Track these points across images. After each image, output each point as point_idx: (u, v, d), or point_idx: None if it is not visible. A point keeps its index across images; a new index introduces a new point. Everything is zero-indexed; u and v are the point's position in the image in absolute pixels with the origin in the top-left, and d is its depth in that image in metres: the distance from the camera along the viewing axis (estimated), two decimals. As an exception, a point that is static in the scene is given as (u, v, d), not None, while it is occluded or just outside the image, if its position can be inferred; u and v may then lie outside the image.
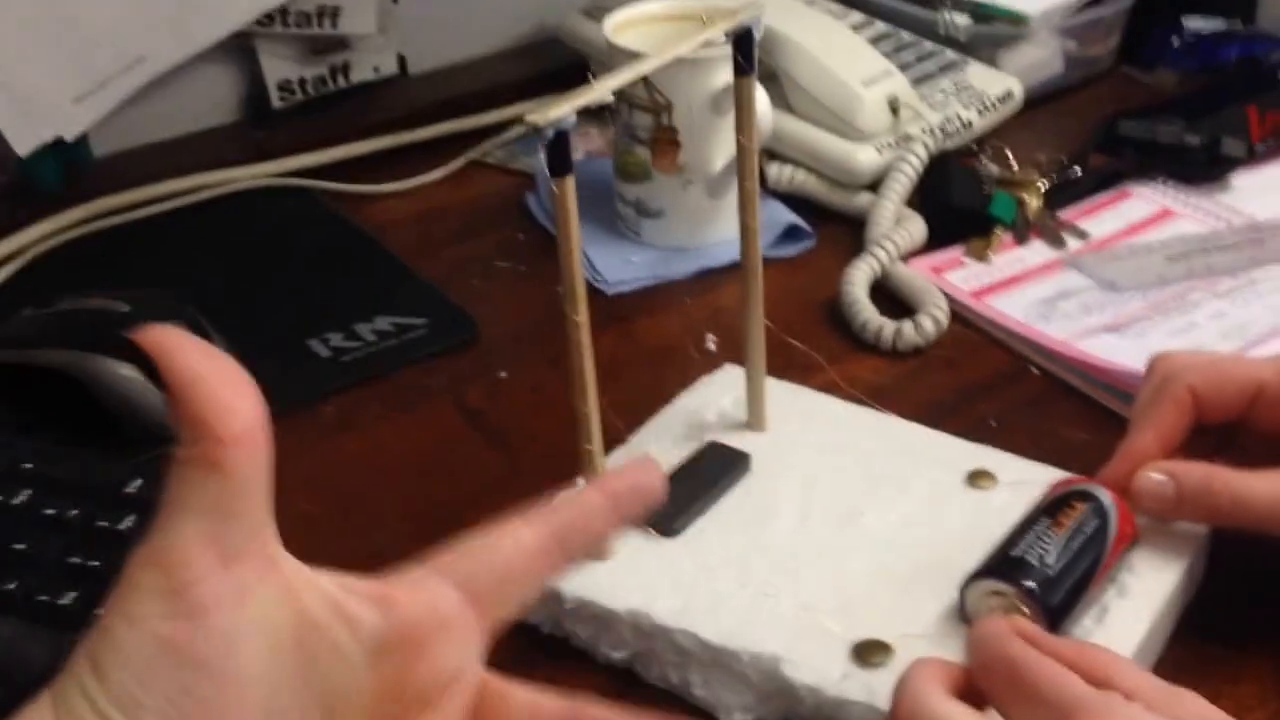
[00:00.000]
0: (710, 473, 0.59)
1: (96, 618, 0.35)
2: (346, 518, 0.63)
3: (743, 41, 0.55)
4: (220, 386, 0.34)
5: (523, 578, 0.41)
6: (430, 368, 0.73)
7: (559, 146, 0.47)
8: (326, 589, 0.37)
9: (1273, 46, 0.97)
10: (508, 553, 0.40)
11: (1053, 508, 0.53)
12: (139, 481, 0.58)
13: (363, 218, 0.87)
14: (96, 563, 0.54)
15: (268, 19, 0.89)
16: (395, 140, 0.92)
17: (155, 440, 0.66)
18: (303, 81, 0.93)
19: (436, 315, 0.76)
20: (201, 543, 0.34)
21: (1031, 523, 0.52)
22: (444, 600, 0.39)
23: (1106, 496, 0.53)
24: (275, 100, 0.92)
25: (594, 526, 0.43)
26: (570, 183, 0.48)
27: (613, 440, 0.61)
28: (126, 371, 0.66)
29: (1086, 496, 0.53)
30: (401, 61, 0.97)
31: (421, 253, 0.83)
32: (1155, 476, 0.53)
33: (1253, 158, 0.86)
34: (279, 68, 0.92)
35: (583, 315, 0.50)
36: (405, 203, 0.88)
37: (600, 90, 0.48)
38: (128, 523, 0.56)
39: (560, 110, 0.46)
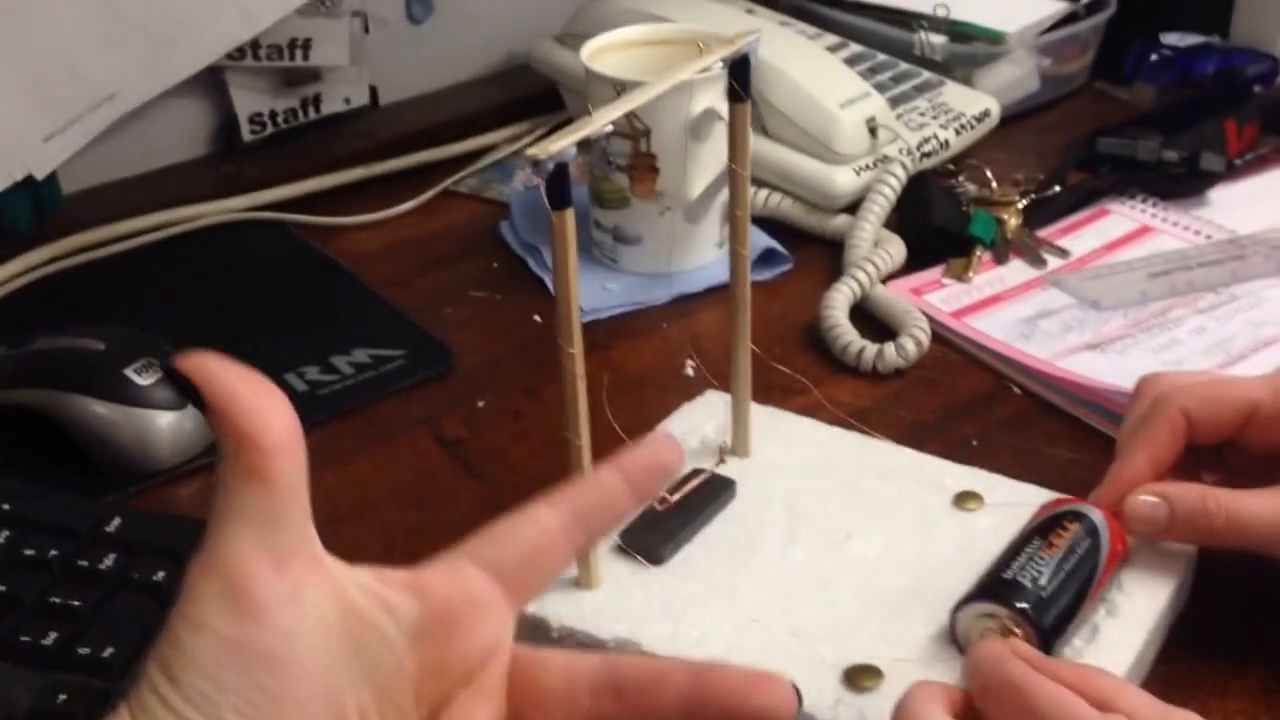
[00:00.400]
0: (697, 499, 0.58)
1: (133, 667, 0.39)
2: (328, 550, 0.61)
3: (738, 68, 0.54)
4: (258, 401, 0.37)
5: (547, 558, 0.43)
6: (407, 399, 0.72)
7: (559, 180, 0.46)
8: (367, 582, 0.40)
9: (1249, 60, 0.97)
10: (531, 535, 0.43)
11: (1045, 528, 0.52)
12: (118, 520, 0.57)
13: (336, 250, 0.86)
14: (77, 602, 0.53)
15: (239, 52, 0.88)
16: (367, 171, 0.91)
17: (131, 478, 0.65)
18: (274, 114, 0.92)
19: (412, 346, 0.75)
20: (255, 548, 0.37)
21: (1023, 544, 0.51)
22: (474, 583, 0.41)
23: (1098, 516, 0.52)
24: (246, 133, 0.92)
25: (613, 505, 0.45)
26: (569, 215, 0.48)
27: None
28: (101, 410, 0.65)
29: (1078, 517, 0.52)
30: (373, 92, 0.96)
31: (396, 284, 0.82)
32: (1148, 499, 0.52)
33: (1231, 172, 0.85)
34: (250, 100, 0.91)
35: (577, 347, 0.50)
36: (378, 234, 0.87)
37: (598, 122, 0.48)
38: (108, 561, 0.55)
39: (561, 143, 0.46)
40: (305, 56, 0.90)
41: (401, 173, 0.92)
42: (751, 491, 0.59)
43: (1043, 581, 0.49)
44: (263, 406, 0.37)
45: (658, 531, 0.56)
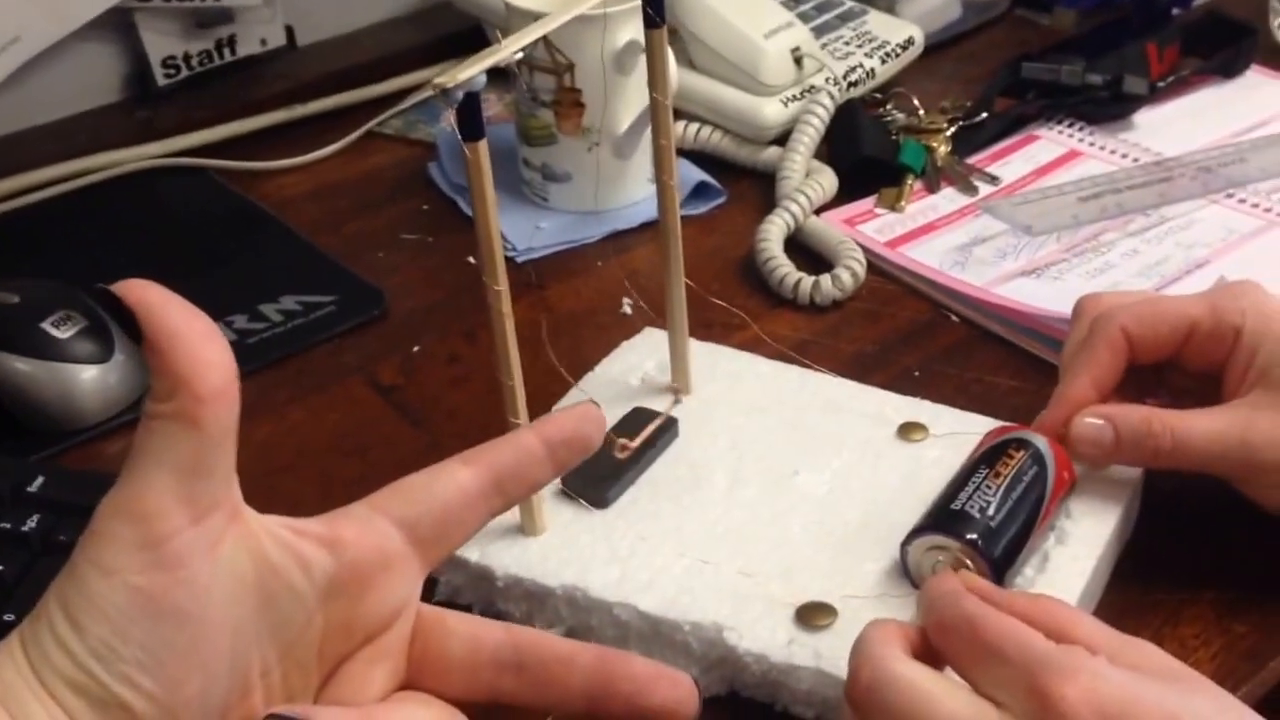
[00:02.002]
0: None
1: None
2: (263, 505, 0.59)
3: (651, -7, 0.53)
4: (199, 342, 0.35)
5: (461, 519, 0.43)
6: (340, 346, 0.71)
7: (470, 109, 0.45)
8: (282, 535, 0.39)
9: (1167, -18, 0.97)
10: (448, 495, 0.42)
11: (990, 457, 0.52)
12: (41, 480, 0.56)
13: (260, 195, 0.83)
14: (1, 567, 0.52)
15: (148, -8, 0.85)
16: (288, 114, 0.89)
17: (56, 437, 0.64)
18: (188, 57, 0.89)
19: (343, 291, 0.74)
20: (176, 496, 0.35)
21: (969, 474, 0.51)
22: (388, 541, 0.41)
23: (1043, 443, 0.52)
24: (160, 77, 0.89)
25: (531, 474, 0.44)
26: (483, 147, 0.46)
27: (535, 410, 0.59)
28: (21, 366, 0.63)
29: (1023, 444, 0.52)
30: (289, 33, 0.93)
31: (324, 229, 0.80)
32: (1093, 421, 0.52)
33: (1154, 94, 0.86)
34: (162, 43, 0.88)
35: (503, 283, 0.49)
36: (303, 178, 0.85)
37: (507, 49, 0.46)
38: (31, 524, 0.53)
39: (469, 71, 0.45)
40: (217, -4, 0.87)
41: (323, 115, 0.90)
42: (695, 430, 0.59)
43: (991, 511, 0.50)
44: (203, 348, 0.35)
45: (602, 474, 0.56)
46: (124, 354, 0.65)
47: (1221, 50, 0.90)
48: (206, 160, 0.85)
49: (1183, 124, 0.85)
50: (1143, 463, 0.53)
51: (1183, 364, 0.55)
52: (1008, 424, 0.55)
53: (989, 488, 0.50)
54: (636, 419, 0.58)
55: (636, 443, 0.56)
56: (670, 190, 0.56)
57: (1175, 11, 0.96)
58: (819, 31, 0.89)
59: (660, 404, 0.60)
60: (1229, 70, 0.90)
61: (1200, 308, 0.53)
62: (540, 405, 0.59)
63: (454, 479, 0.42)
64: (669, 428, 0.58)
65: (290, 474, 0.62)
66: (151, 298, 0.35)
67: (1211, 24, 0.92)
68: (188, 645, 0.36)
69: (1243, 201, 0.76)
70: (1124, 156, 0.81)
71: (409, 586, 0.42)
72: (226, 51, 0.90)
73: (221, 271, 0.76)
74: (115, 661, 0.35)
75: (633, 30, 0.74)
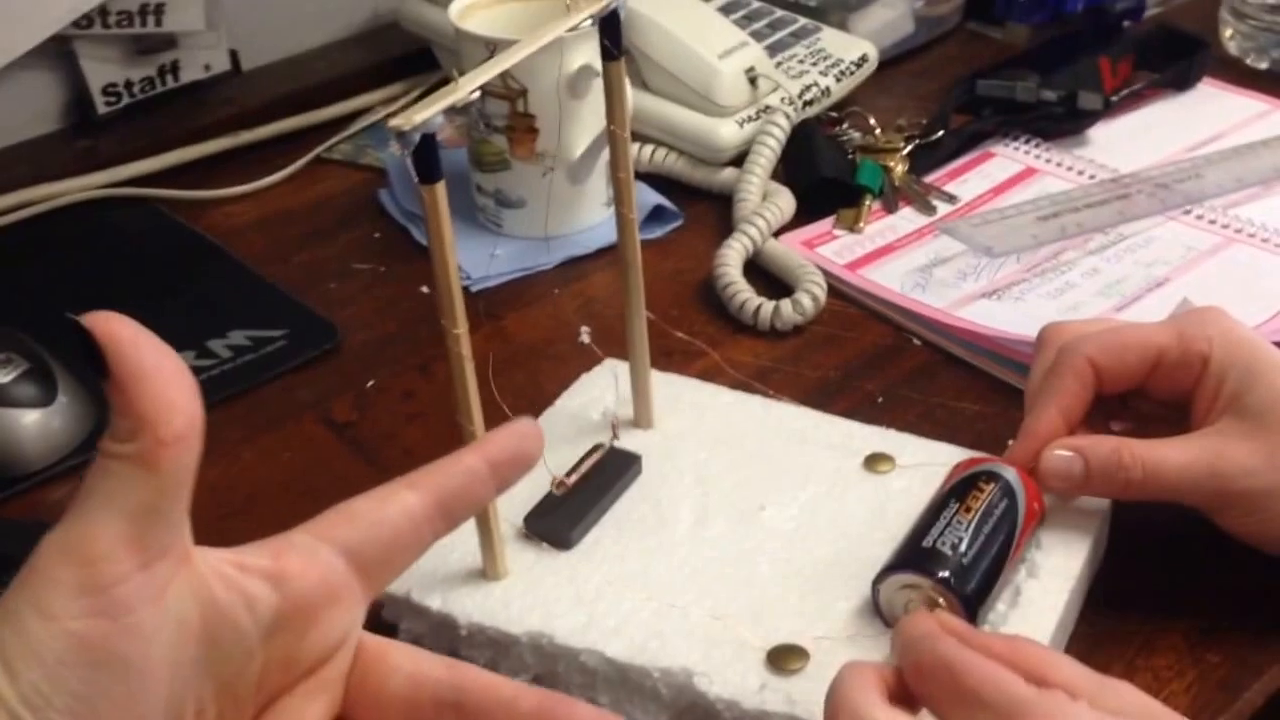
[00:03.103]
0: (601, 478, 0.56)
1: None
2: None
3: (608, 25, 0.52)
4: (166, 383, 0.34)
5: (407, 545, 0.41)
6: (292, 382, 0.69)
7: (426, 151, 0.44)
8: (228, 573, 0.37)
9: (1118, -5, 0.97)
10: (394, 520, 0.41)
11: (960, 491, 0.51)
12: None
13: (206, 225, 0.82)
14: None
15: (86, 20, 0.83)
16: (234, 141, 0.87)
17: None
18: (129, 84, 0.87)
19: (294, 325, 0.72)
20: (125, 541, 0.34)
21: (940, 508, 0.51)
22: (333, 572, 0.40)
23: (1013, 474, 0.52)
24: (100, 105, 0.87)
25: (475, 494, 0.43)
26: (441, 189, 0.45)
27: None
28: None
29: (993, 476, 0.52)
30: (234, 57, 0.92)
31: (272, 259, 0.78)
32: (1063, 454, 0.52)
33: (1108, 109, 0.86)
34: (102, 71, 0.86)
35: (462, 327, 0.47)
36: (250, 206, 0.84)
37: (464, 89, 0.45)
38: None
39: (425, 113, 0.43)
40: (158, 22, 0.85)
41: (270, 141, 0.88)
42: (658, 465, 0.57)
43: (963, 548, 0.49)
44: (171, 390, 0.34)
45: (563, 515, 0.54)
46: (67, 396, 0.63)
47: (1174, 63, 0.90)
48: (150, 190, 0.83)
49: (1138, 138, 0.85)
50: (1114, 494, 0.53)
51: (1150, 392, 0.54)
52: (976, 455, 0.55)
53: (960, 523, 0.50)
54: (600, 457, 0.57)
55: (573, 479, 0.55)
56: (630, 224, 0.55)
57: (1126, 24, 0.96)
58: (773, 50, 0.88)
59: (624, 439, 0.59)
60: (1182, 83, 0.90)
61: (1166, 336, 0.53)
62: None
63: (401, 503, 0.41)
64: (628, 464, 0.57)
65: (242, 517, 0.61)
66: (121, 332, 0.34)
67: (1163, 37, 0.92)
68: (125, 694, 0.34)
69: (1200, 218, 0.76)
70: (1080, 173, 0.81)
71: (352, 617, 0.41)
72: (169, 78, 0.88)
73: (167, 306, 0.74)
74: (46, 709, 0.33)
75: (587, 55, 0.72)
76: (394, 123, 0.43)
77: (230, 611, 0.37)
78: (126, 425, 0.34)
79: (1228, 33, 0.96)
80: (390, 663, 0.41)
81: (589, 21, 0.51)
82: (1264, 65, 0.94)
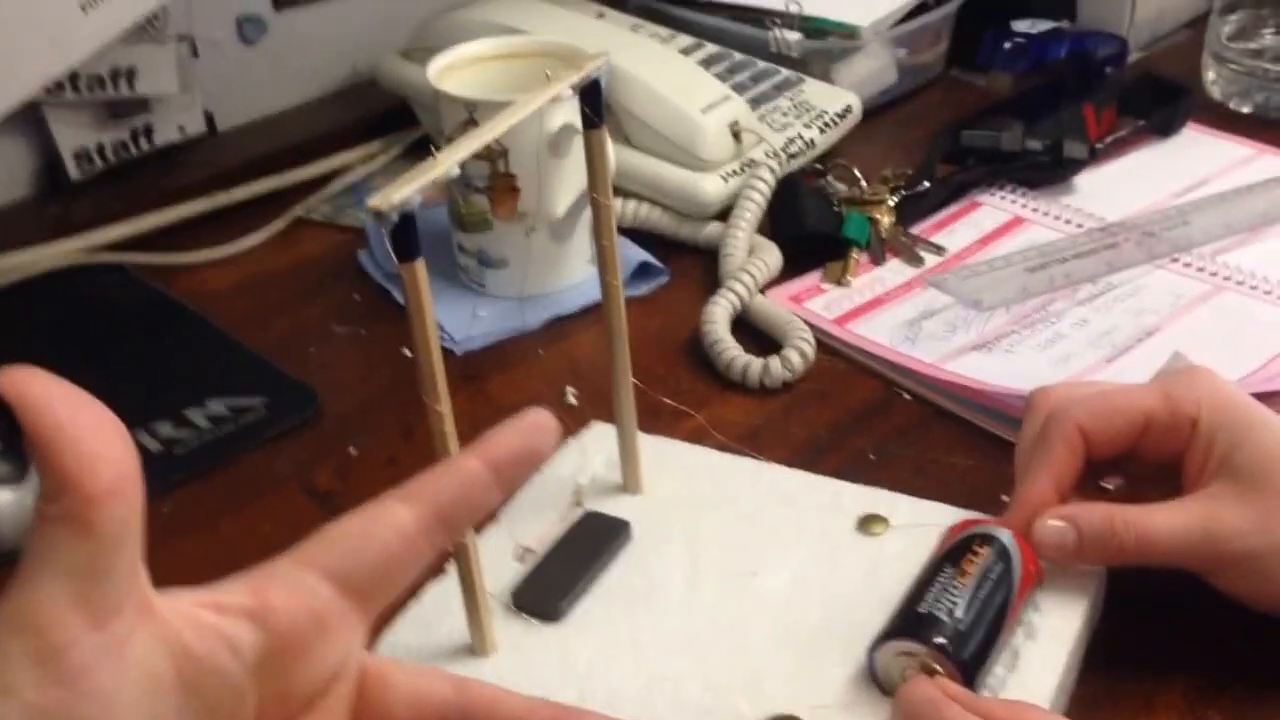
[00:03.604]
0: (590, 546, 0.55)
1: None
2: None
3: (589, 94, 0.51)
4: (87, 436, 0.32)
5: (403, 563, 0.39)
6: (273, 451, 0.67)
7: (405, 231, 0.43)
8: (203, 617, 0.36)
9: (1099, 42, 0.97)
10: (386, 539, 0.39)
11: (955, 555, 0.50)
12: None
13: (182, 291, 0.80)
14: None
15: (56, 86, 0.82)
16: (210, 203, 0.86)
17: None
18: (101, 148, 0.86)
19: (274, 392, 0.71)
20: (72, 604, 0.33)
21: (935, 573, 0.49)
22: (319, 601, 0.38)
23: (1007, 536, 0.51)
24: (73, 171, 0.85)
25: (478, 499, 0.40)
26: (420, 267, 0.44)
27: (481, 520, 0.57)
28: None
29: (988, 539, 0.50)
30: (209, 118, 0.91)
31: (251, 324, 0.77)
32: (1056, 524, 0.51)
33: (1094, 157, 0.85)
34: (74, 136, 0.85)
35: (445, 405, 0.46)
36: (228, 270, 0.82)
37: (443, 165, 0.44)
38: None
39: (403, 192, 0.42)
40: (131, 86, 0.84)
41: (248, 203, 0.87)
42: (648, 531, 0.56)
43: (959, 613, 0.48)
44: (91, 442, 0.32)
45: (551, 586, 0.53)
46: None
47: (1158, 109, 0.90)
48: (125, 256, 0.82)
49: (1124, 186, 0.84)
50: (1108, 561, 0.52)
51: (1140, 455, 0.53)
52: (971, 517, 0.54)
53: (956, 588, 0.48)
54: (587, 524, 0.56)
55: (538, 546, 0.54)
56: (615, 291, 0.54)
57: (1109, 70, 0.96)
58: (756, 102, 0.88)
59: (612, 505, 0.58)
60: (1166, 129, 0.90)
61: (1154, 399, 0.52)
62: (482, 519, 0.57)
63: (393, 520, 0.39)
64: (617, 530, 0.55)
65: (222, 593, 0.59)
66: (32, 388, 0.32)
67: (1147, 84, 0.92)
68: None
69: (1188, 265, 0.75)
70: (1067, 222, 0.80)
71: (348, 644, 0.39)
72: (143, 141, 0.87)
73: (144, 375, 0.72)
74: None
75: (568, 114, 0.72)
76: (372, 203, 0.42)
77: (210, 657, 0.36)
78: (51, 484, 0.32)
79: (1210, 77, 0.95)
80: (393, 685, 0.40)
81: (569, 90, 0.50)
82: (1247, 109, 0.93)
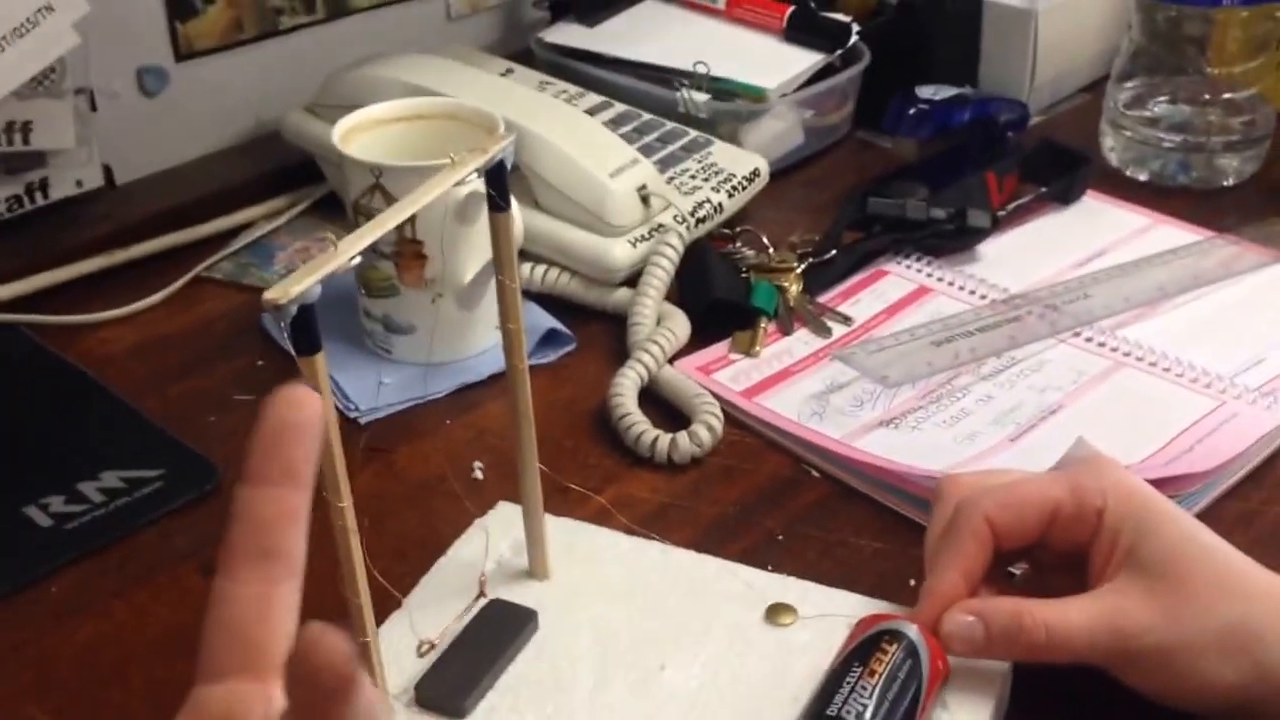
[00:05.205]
0: (495, 636, 0.54)
1: None
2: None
3: (494, 175, 0.50)
4: None
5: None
6: (169, 527, 0.66)
7: (305, 324, 0.42)
8: None
9: (1001, 107, 0.98)
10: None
11: (863, 652, 0.50)
12: None
13: (78, 353, 0.78)
14: None
15: (-54, 140, 0.80)
16: (107, 260, 0.84)
17: None
18: (-6, 203, 0.84)
19: (171, 464, 0.69)
20: None
21: (844, 672, 0.49)
22: None
23: (915, 632, 0.51)
24: (-36, 226, 0.83)
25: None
26: (320, 361, 0.43)
27: (387, 605, 0.56)
28: None
29: (896, 635, 0.51)
30: (107, 172, 0.88)
31: (149, 390, 0.75)
32: (964, 619, 0.51)
33: (996, 225, 0.86)
34: (-35, 190, 0.82)
35: (346, 499, 0.45)
36: (125, 331, 0.80)
37: (343, 255, 0.43)
38: None
39: (302, 284, 0.41)
40: (25, 140, 0.82)
41: (147, 260, 0.85)
42: (555, 620, 0.56)
43: (867, 714, 0.48)
44: None
45: (456, 679, 0.52)
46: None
47: (1058, 177, 0.91)
48: (18, 316, 0.80)
49: (1026, 254, 0.85)
50: (1016, 656, 0.52)
51: (1047, 544, 0.54)
52: (878, 611, 0.54)
53: (864, 688, 0.49)
54: (492, 613, 0.55)
55: (440, 639, 0.53)
56: (521, 374, 0.54)
57: (1010, 135, 0.98)
58: (664, 164, 0.88)
59: (518, 592, 0.57)
60: (1066, 197, 0.91)
61: (1061, 490, 0.53)
62: (389, 600, 0.56)
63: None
64: (523, 620, 0.55)
65: (116, 684, 0.57)
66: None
67: (1048, 151, 0.93)
68: None
69: (1089, 340, 0.76)
70: (971, 292, 0.81)
71: None
72: (38, 195, 0.85)
73: (35, 444, 0.70)
74: None
75: (475, 181, 0.71)
76: (269, 296, 0.41)
77: None
78: None
79: (1108, 144, 0.97)
80: None
81: (475, 175, 0.50)
82: (1144, 177, 0.95)
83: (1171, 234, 0.87)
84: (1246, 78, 0.94)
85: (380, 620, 0.53)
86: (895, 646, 0.50)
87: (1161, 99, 0.97)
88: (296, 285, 0.42)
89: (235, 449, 0.69)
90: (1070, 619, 0.50)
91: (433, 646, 0.54)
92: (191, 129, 0.94)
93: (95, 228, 0.86)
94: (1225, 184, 0.94)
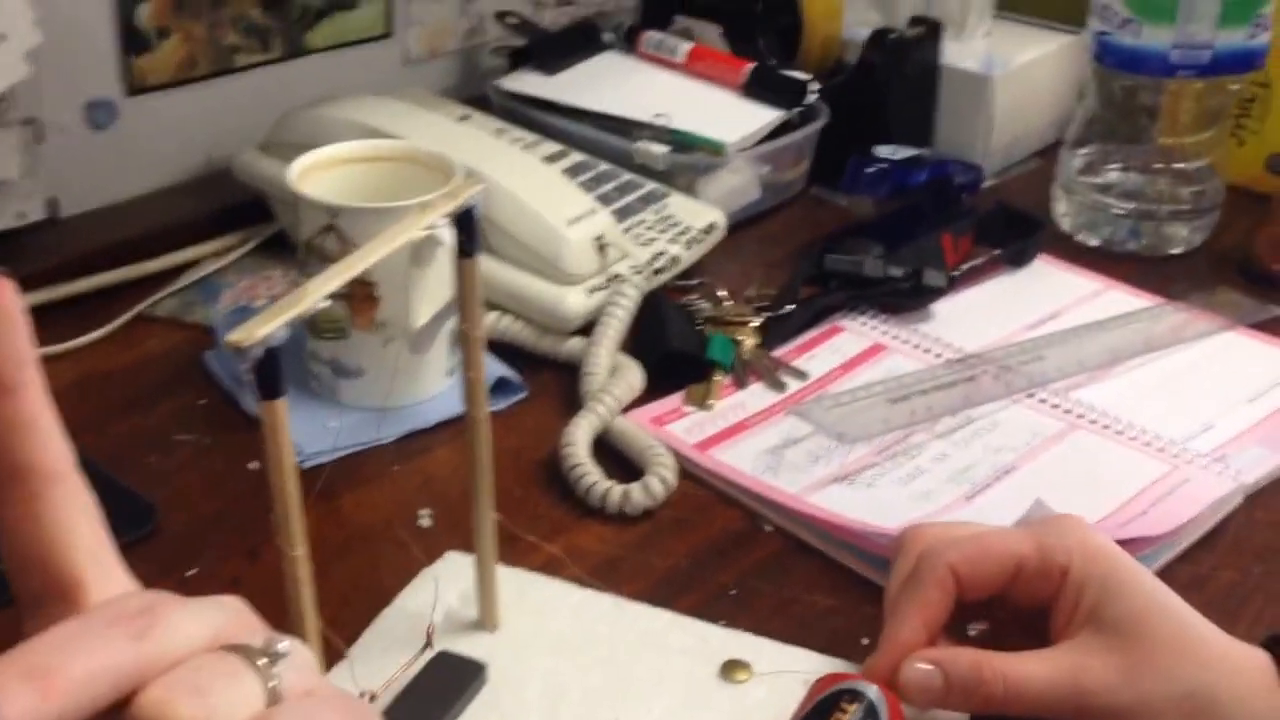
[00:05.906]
0: (442, 689, 0.53)
1: None
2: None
3: (464, 222, 0.49)
4: None
5: None
6: (104, 569, 0.64)
7: (269, 368, 0.41)
8: None
9: (957, 169, 0.99)
10: None
11: (822, 711, 0.49)
12: None
13: (14, 388, 0.76)
14: None
15: (-114, 167, 0.77)
16: (48, 295, 0.82)
17: None
18: (-67, 235, 0.81)
19: (110, 505, 0.64)
20: None
21: (801, 732, 0.48)
22: None
23: (875, 692, 0.50)
24: (-99, 255, 0.81)
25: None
26: (282, 406, 0.42)
27: (329, 655, 0.54)
28: None
29: (855, 695, 0.50)
30: (52, 205, 0.87)
31: (88, 428, 0.73)
32: (923, 668, 0.50)
33: (951, 285, 0.86)
34: (-98, 218, 0.80)
35: (301, 549, 0.44)
36: (64, 368, 0.78)
37: (309, 298, 0.42)
38: None
39: (267, 327, 0.40)
40: (-32, 169, 0.80)
41: (88, 295, 0.83)
42: (504, 673, 0.54)
43: (827, 776, 0.46)
44: None
45: (405, 732, 0.51)
46: None
47: (1012, 240, 0.92)
48: (-46, 348, 0.77)
49: (979, 315, 0.86)
50: (974, 708, 0.51)
51: (1009, 600, 0.53)
52: (836, 670, 0.53)
53: (824, 748, 0.47)
54: (440, 666, 0.54)
55: (383, 691, 0.52)
56: (482, 425, 0.53)
57: (965, 195, 0.98)
58: (621, 214, 0.87)
59: (467, 643, 0.55)
60: (1019, 260, 0.92)
61: (1027, 545, 0.52)
62: (334, 650, 0.54)
63: None
64: (472, 673, 0.53)
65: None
66: None
67: (1001, 214, 0.94)
68: None
69: (1043, 401, 0.76)
70: (926, 351, 0.81)
71: None
72: (-22, 227, 0.83)
73: (-32, 481, 0.68)
74: None
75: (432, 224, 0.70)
76: (233, 338, 0.40)
77: None
78: None
79: (1060, 209, 0.98)
80: None
81: (444, 221, 0.49)
82: (1095, 242, 0.96)
83: (1121, 299, 0.88)
84: (1198, 149, 0.95)
85: (326, 670, 0.51)
86: (855, 706, 0.49)
87: (1114, 166, 0.98)
88: (262, 328, 0.41)
89: (175, 490, 0.69)
90: (1030, 672, 0.49)
91: (374, 698, 0.52)
92: (140, 164, 0.92)
93: (37, 261, 0.84)
94: (1174, 252, 0.95)
